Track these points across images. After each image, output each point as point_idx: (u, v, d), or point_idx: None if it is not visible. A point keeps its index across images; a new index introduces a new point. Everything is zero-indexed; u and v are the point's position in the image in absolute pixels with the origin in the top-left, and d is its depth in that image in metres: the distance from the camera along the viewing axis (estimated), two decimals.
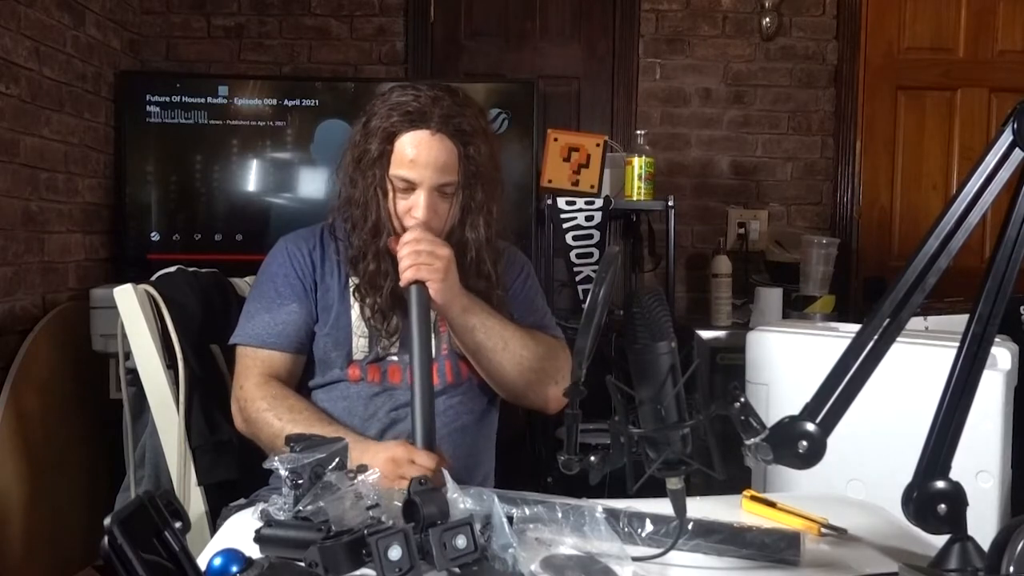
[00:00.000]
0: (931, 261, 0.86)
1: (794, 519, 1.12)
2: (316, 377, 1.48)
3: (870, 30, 3.35)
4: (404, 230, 1.41)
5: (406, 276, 1.33)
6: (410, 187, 1.40)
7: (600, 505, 1.01)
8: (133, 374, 1.50)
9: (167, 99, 2.91)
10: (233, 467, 1.49)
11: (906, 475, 0.88)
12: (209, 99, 2.93)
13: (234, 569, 0.84)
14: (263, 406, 1.38)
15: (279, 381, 1.43)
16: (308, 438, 1.05)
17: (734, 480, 1.08)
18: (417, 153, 1.38)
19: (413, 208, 1.41)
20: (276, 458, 0.99)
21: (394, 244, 1.39)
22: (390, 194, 1.42)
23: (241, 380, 1.44)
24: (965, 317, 0.87)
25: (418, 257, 1.33)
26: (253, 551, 0.91)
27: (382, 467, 1.22)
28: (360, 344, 1.46)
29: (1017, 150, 0.84)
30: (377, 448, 1.31)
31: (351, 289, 1.47)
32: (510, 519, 0.93)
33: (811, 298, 2.85)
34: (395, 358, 1.46)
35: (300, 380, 1.49)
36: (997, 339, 1.75)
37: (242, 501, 1.37)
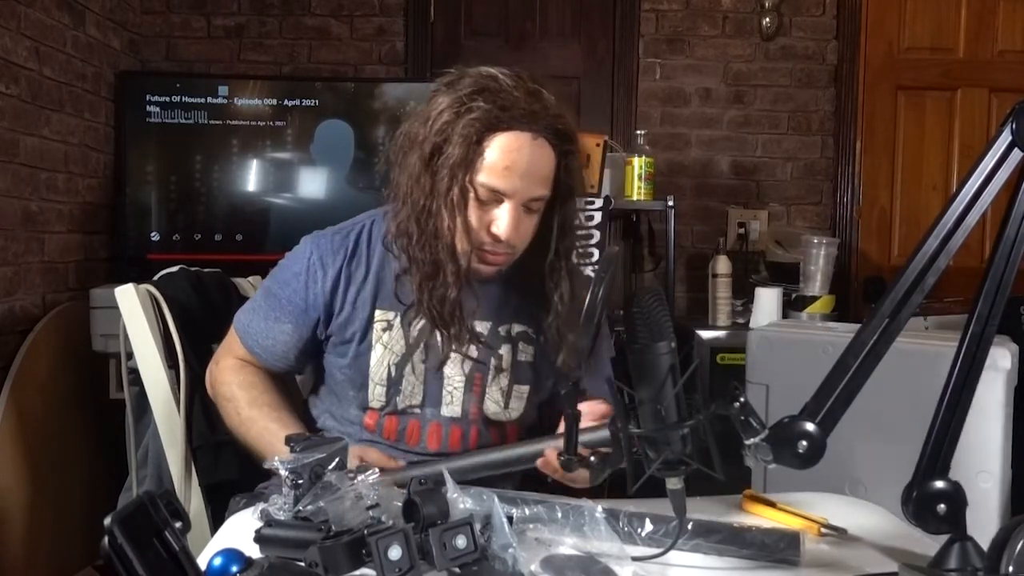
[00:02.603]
0: (930, 261, 0.86)
1: (794, 519, 1.12)
2: (329, 400, 1.38)
3: (870, 30, 3.35)
4: (474, 245, 1.22)
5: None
6: (496, 197, 1.20)
7: (600, 505, 1.01)
8: (135, 374, 1.50)
9: (167, 99, 2.91)
10: (234, 467, 1.48)
11: (906, 475, 0.88)
12: (209, 99, 2.93)
13: (234, 569, 0.84)
14: (228, 393, 1.34)
15: (255, 368, 1.38)
16: (307, 438, 1.04)
17: (734, 480, 1.08)
18: (515, 160, 1.17)
19: (492, 223, 1.21)
20: (276, 458, 0.99)
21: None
22: (467, 200, 1.20)
23: (220, 356, 1.41)
24: (965, 317, 0.87)
25: None
26: (253, 551, 0.91)
27: None
28: (378, 392, 1.31)
29: (1016, 150, 0.84)
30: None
31: (375, 326, 1.30)
32: (510, 519, 0.93)
33: (811, 298, 2.85)
34: (417, 411, 1.31)
35: (304, 382, 1.47)
36: (997, 339, 1.75)
37: (251, 493, 1.36)
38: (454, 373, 1.31)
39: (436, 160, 1.20)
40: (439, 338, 1.27)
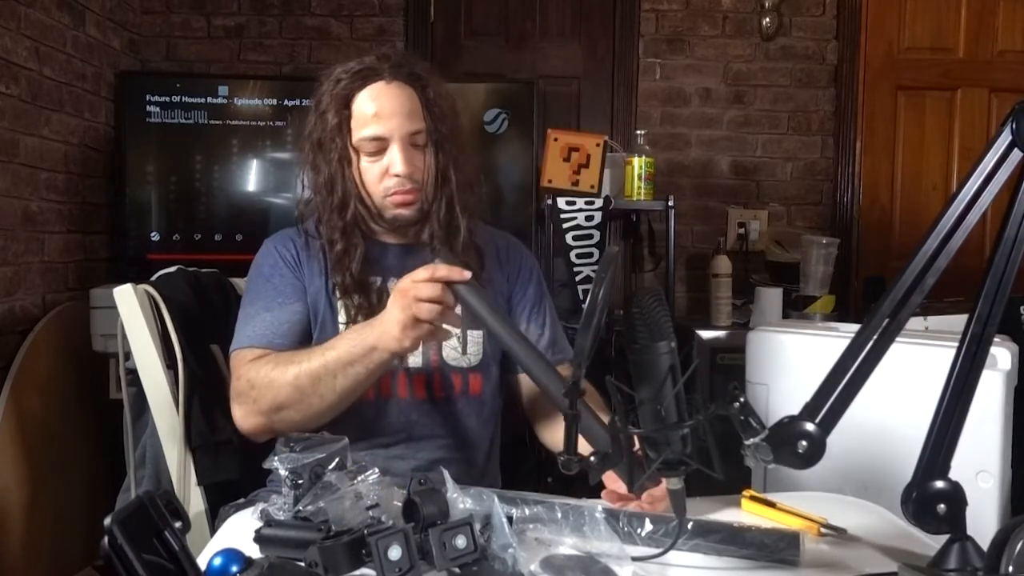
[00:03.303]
0: (930, 261, 0.86)
1: (794, 519, 1.12)
2: None
3: (870, 30, 3.35)
4: (384, 196, 1.35)
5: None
6: (381, 145, 1.33)
7: (600, 505, 1.01)
8: (133, 374, 1.50)
9: (167, 99, 2.90)
10: (233, 467, 1.48)
11: (906, 475, 0.88)
12: (209, 99, 2.93)
13: (234, 569, 0.84)
14: (268, 368, 1.29)
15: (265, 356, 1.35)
16: (307, 438, 1.04)
17: (734, 480, 1.08)
18: (379, 105, 1.32)
19: (390, 166, 1.34)
20: (276, 458, 0.99)
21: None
22: (354, 161, 1.35)
23: (237, 374, 1.34)
24: (965, 317, 0.87)
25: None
26: (253, 551, 0.91)
27: (396, 309, 1.17)
28: None
29: (1016, 150, 0.84)
30: (383, 313, 1.22)
31: (335, 291, 1.39)
32: (510, 519, 0.93)
33: (811, 298, 2.85)
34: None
35: None
36: (997, 339, 1.75)
37: (241, 501, 1.37)
38: None
39: (321, 139, 1.35)
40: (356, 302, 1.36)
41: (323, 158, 1.36)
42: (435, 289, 1.16)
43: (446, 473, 1.01)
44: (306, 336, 1.39)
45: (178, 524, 0.77)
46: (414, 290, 1.17)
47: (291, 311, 1.38)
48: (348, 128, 1.34)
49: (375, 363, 1.24)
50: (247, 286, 1.46)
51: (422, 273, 1.17)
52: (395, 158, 1.33)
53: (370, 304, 1.36)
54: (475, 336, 1.43)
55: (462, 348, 1.42)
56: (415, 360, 1.40)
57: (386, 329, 1.20)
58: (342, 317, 1.38)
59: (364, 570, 0.88)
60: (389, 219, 1.39)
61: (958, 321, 1.01)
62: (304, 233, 1.45)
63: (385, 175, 1.35)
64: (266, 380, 1.28)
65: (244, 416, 1.33)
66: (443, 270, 1.17)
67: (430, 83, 1.37)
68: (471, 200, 1.42)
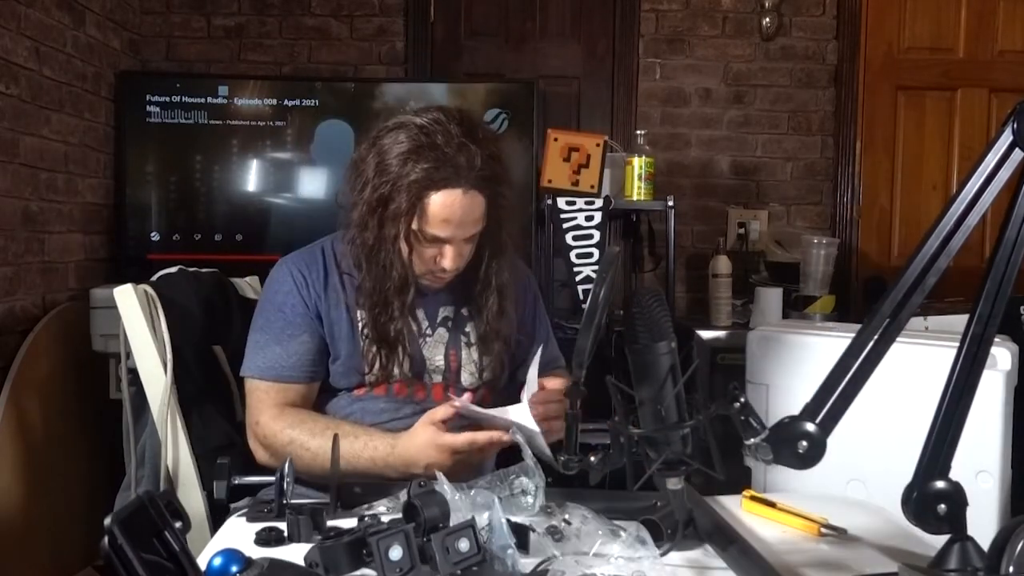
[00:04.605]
0: (931, 261, 0.86)
1: (794, 519, 1.12)
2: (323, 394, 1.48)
3: (870, 30, 3.34)
4: (424, 273, 1.42)
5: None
6: (439, 242, 1.39)
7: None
8: (133, 374, 1.50)
9: (167, 99, 2.91)
10: (233, 467, 1.48)
11: (906, 475, 0.88)
12: (209, 99, 2.93)
13: (234, 569, 0.84)
14: (285, 439, 1.37)
15: (293, 407, 1.42)
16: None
17: (734, 480, 1.08)
18: (451, 213, 1.35)
19: (439, 258, 1.39)
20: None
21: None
22: (415, 246, 1.39)
23: (256, 415, 1.41)
24: (965, 317, 0.87)
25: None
26: (253, 551, 0.91)
27: (424, 455, 1.29)
28: (373, 374, 1.44)
29: (1017, 150, 0.84)
30: (408, 440, 1.32)
31: (360, 329, 1.44)
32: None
33: (811, 298, 2.85)
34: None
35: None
36: (997, 339, 1.75)
37: (245, 501, 1.37)
38: (435, 354, 1.48)
39: (382, 210, 1.36)
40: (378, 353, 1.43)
41: (377, 225, 1.38)
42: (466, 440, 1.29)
43: (441, 476, 1.01)
44: (315, 364, 1.44)
45: (178, 524, 0.77)
46: (450, 451, 1.29)
47: (300, 343, 1.42)
48: (414, 215, 1.36)
49: (390, 472, 1.33)
50: (259, 307, 1.48)
51: (456, 442, 1.29)
52: (448, 255, 1.39)
53: (390, 348, 1.42)
54: (487, 361, 1.51)
55: (478, 375, 1.52)
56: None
57: (417, 462, 1.31)
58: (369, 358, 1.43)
59: (364, 570, 0.88)
60: (418, 284, 1.44)
61: (958, 321, 1.01)
62: (327, 259, 1.48)
63: (433, 261, 1.40)
64: (287, 439, 1.37)
65: (256, 451, 1.43)
66: (483, 437, 1.29)
67: (500, 188, 1.41)
68: (502, 252, 1.49)
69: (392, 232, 1.37)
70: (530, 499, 1.12)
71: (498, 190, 1.40)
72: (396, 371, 1.43)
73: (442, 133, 1.35)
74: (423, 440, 1.30)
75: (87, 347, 2.48)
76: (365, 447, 1.34)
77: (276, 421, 1.39)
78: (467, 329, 1.50)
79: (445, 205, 1.34)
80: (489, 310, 1.47)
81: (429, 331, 1.48)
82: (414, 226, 1.36)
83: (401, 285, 1.40)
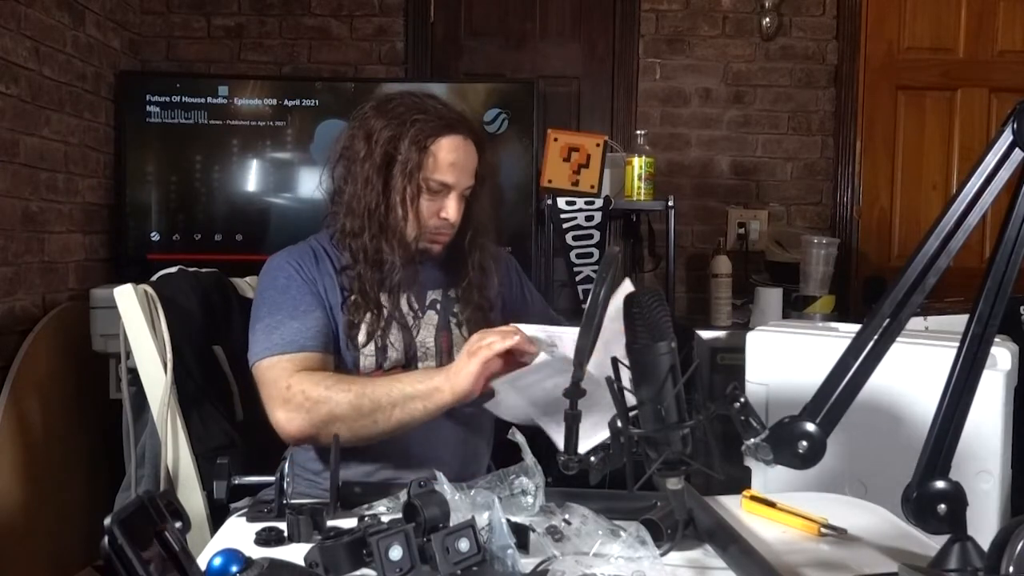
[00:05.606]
0: (931, 261, 0.86)
1: (794, 519, 1.12)
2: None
3: (870, 30, 3.34)
4: (426, 230, 1.46)
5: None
6: (444, 190, 1.45)
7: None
8: (133, 374, 1.50)
9: (167, 99, 2.91)
10: (233, 467, 1.48)
11: (906, 475, 0.88)
12: (209, 99, 2.93)
13: (234, 569, 0.84)
14: (322, 390, 1.33)
15: (309, 371, 1.38)
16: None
17: (734, 480, 1.08)
18: (457, 157, 1.43)
19: (443, 210, 1.45)
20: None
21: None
22: (420, 201, 1.44)
23: (283, 383, 1.35)
24: (965, 317, 0.87)
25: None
26: (253, 551, 0.91)
27: (472, 362, 1.26)
28: (368, 364, 1.45)
29: (1017, 150, 0.84)
30: (455, 364, 1.31)
31: (349, 306, 1.45)
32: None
33: (811, 298, 2.85)
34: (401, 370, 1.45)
35: None
36: (997, 339, 1.75)
37: (246, 501, 1.37)
38: (426, 337, 1.50)
39: (390, 167, 1.43)
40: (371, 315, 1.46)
41: (382, 181, 1.43)
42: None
43: (441, 476, 1.01)
44: (331, 339, 1.43)
45: (178, 524, 0.77)
46: (488, 350, 1.26)
47: (315, 317, 1.42)
48: (426, 165, 1.42)
49: (435, 404, 1.32)
50: (260, 298, 1.46)
51: (496, 339, 1.27)
52: (451, 206, 1.46)
53: (380, 317, 1.45)
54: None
55: None
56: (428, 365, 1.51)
57: (459, 380, 1.29)
58: (362, 337, 1.44)
59: (365, 570, 0.88)
60: (417, 248, 1.47)
61: (958, 321, 1.01)
62: (316, 249, 1.51)
63: (435, 215, 1.46)
64: (324, 394, 1.33)
65: (290, 421, 1.35)
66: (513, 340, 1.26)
67: (487, 147, 1.52)
68: (485, 232, 1.55)
69: (400, 184, 1.41)
70: (530, 499, 1.12)
71: (484, 151, 1.50)
72: (392, 354, 1.44)
73: (424, 97, 1.47)
74: (467, 352, 1.29)
75: (87, 347, 2.48)
76: (399, 378, 1.35)
77: (308, 378, 1.35)
78: (455, 310, 1.53)
79: (452, 148, 1.43)
80: (475, 289, 1.52)
81: (420, 313, 1.51)
82: (424, 176, 1.42)
83: (402, 239, 1.44)
